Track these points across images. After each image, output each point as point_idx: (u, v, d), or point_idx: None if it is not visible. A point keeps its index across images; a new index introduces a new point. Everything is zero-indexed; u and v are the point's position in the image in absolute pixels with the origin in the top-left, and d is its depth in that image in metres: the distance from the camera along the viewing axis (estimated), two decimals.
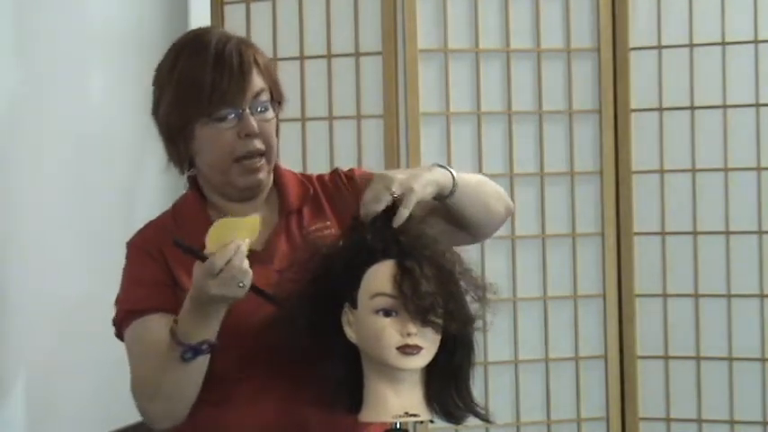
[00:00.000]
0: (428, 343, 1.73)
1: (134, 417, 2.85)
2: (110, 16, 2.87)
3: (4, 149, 2.48)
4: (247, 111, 1.90)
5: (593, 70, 3.27)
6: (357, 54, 3.25)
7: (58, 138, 2.66)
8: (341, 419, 1.84)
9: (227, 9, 3.30)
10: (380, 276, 1.73)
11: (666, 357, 3.28)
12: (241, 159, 1.91)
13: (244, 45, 1.94)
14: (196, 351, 1.78)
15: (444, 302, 1.73)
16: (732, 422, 3.24)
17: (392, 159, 3.20)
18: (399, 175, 1.86)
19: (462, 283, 1.77)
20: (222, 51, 1.90)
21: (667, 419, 3.28)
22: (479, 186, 2.02)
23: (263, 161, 1.94)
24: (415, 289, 1.70)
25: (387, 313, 1.72)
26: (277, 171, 2.02)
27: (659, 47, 3.27)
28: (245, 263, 1.74)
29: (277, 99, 1.97)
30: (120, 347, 2.81)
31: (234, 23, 3.29)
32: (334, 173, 2.06)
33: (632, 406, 3.28)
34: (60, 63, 2.66)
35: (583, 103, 3.28)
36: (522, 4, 3.26)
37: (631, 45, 3.26)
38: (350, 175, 2.05)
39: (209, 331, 1.79)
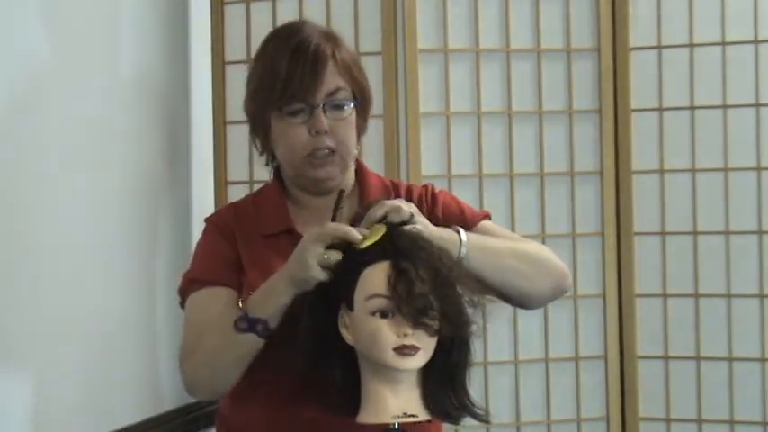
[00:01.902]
0: (425, 343, 1.74)
1: (134, 417, 2.86)
2: (108, 15, 2.87)
3: (13, 152, 2.48)
4: (319, 108, 1.92)
5: (594, 70, 3.27)
6: (357, 54, 3.25)
7: (71, 142, 2.66)
8: (339, 420, 1.84)
9: (227, 9, 3.30)
10: (376, 278, 1.73)
11: (666, 357, 3.28)
12: (310, 155, 1.94)
13: (327, 40, 1.96)
14: (250, 324, 1.81)
15: (439, 305, 1.73)
16: (732, 422, 3.23)
17: (392, 159, 3.20)
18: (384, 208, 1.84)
19: (459, 287, 1.77)
20: (302, 45, 1.92)
21: (667, 419, 3.28)
22: (510, 261, 1.96)
23: (334, 157, 1.95)
24: (410, 290, 1.70)
25: (383, 314, 1.73)
26: (362, 172, 2.06)
27: (659, 47, 3.26)
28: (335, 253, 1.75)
29: (360, 98, 1.98)
30: (120, 348, 2.82)
31: (234, 23, 3.29)
32: (425, 188, 2.07)
33: (632, 406, 3.28)
34: (61, 62, 2.66)
35: (583, 103, 3.28)
36: (522, 4, 3.26)
37: (631, 45, 3.26)
38: (435, 195, 2.05)
39: (270, 311, 1.81)
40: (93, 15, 2.80)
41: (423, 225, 1.83)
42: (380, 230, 1.77)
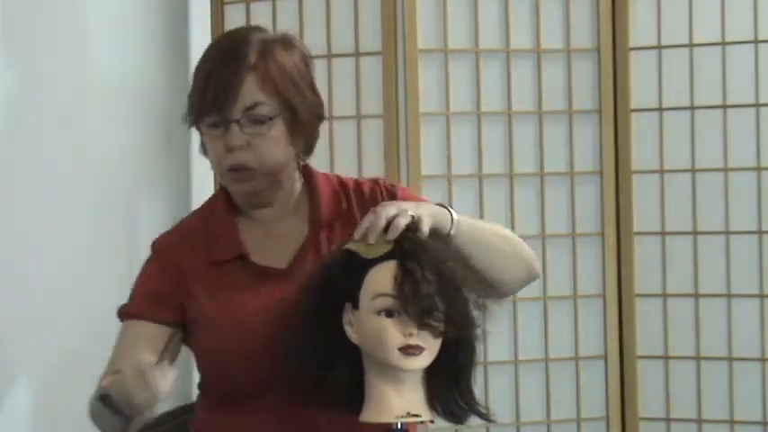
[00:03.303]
0: (430, 344, 1.74)
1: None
2: (109, 16, 2.87)
3: (7, 157, 2.48)
4: (235, 122, 1.82)
5: (593, 70, 3.27)
6: (357, 54, 3.25)
7: (59, 147, 2.66)
8: (341, 419, 1.84)
9: (227, 9, 3.30)
10: (382, 277, 1.73)
11: (666, 357, 3.28)
12: (229, 170, 1.86)
13: (260, 49, 1.85)
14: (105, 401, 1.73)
15: (444, 307, 1.73)
16: (732, 422, 3.23)
17: (392, 159, 3.20)
18: (393, 207, 1.81)
19: (465, 291, 1.77)
20: (226, 54, 1.84)
21: (667, 419, 3.28)
22: (492, 240, 1.97)
23: (253, 174, 1.86)
24: (416, 291, 1.70)
25: (389, 314, 1.73)
26: (310, 178, 1.97)
27: (659, 47, 3.26)
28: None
29: (289, 111, 1.87)
30: None
31: (234, 23, 3.28)
32: (375, 185, 1.99)
33: (632, 406, 3.28)
34: (60, 63, 2.66)
35: (583, 103, 3.28)
36: (522, 4, 3.26)
37: (631, 45, 3.26)
38: (392, 192, 1.98)
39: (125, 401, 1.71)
40: (94, 15, 2.80)
41: (414, 211, 1.81)
42: (386, 246, 1.76)
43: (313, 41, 3.24)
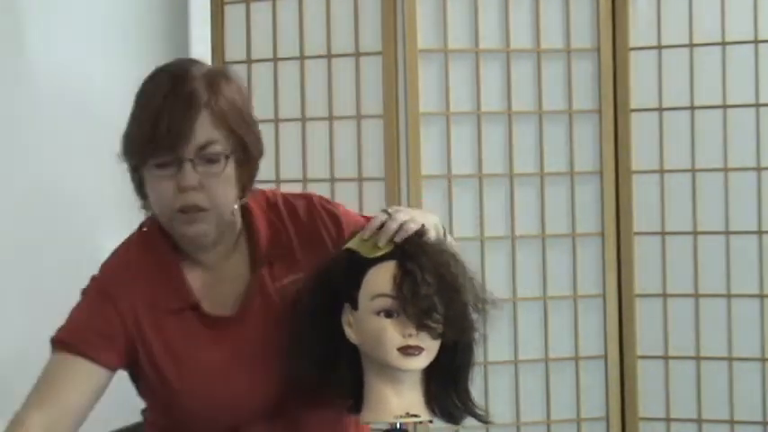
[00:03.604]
0: (428, 345, 1.73)
1: (134, 417, 2.85)
2: (109, 16, 2.87)
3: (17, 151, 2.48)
4: (187, 162, 1.73)
5: (593, 70, 3.27)
6: (357, 54, 3.25)
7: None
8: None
9: (227, 9, 3.30)
10: (382, 278, 1.73)
11: (666, 357, 3.28)
12: (179, 211, 1.77)
13: (208, 85, 1.76)
14: None
15: (443, 309, 1.72)
16: (732, 422, 3.23)
17: (392, 159, 3.20)
18: (404, 214, 1.79)
19: (465, 293, 1.77)
20: (174, 90, 1.74)
21: (667, 419, 3.28)
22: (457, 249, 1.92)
23: (206, 214, 1.78)
24: (415, 291, 1.70)
25: (388, 314, 1.72)
26: (248, 214, 1.88)
27: (659, 47, 3.26)
28: None
29: (241, 149, 1.79)
30: None
31: (234, 23, 3.29)
32: (310, 203, 1.92)
33: (632, 406, 3.28)
34: (60, 62, 2.66)
35: (583, 103, 3.28)
36: (522, 4, 3.26)
37: (631, 45, 3.26)
38: (330, 211, 1.91)
39: None
40: (94, 16, 2.80)
41: (419, 221, 1.80)
42: (387, 246, 1.76)
43: (313, 41, 3.26)
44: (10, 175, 2.54)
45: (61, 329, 1.83)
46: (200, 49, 3.30)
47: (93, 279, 1.88)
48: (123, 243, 1.92)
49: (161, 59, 3.10)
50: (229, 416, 1.85)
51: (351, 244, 1.79)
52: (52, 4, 2.63)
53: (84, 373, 1.79)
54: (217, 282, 1.88)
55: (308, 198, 1.94)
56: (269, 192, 1.94)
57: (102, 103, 2.82)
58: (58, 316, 1.85)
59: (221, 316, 1.85)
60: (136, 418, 2.84)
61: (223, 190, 1.78)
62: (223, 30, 3.29)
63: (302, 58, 3.28)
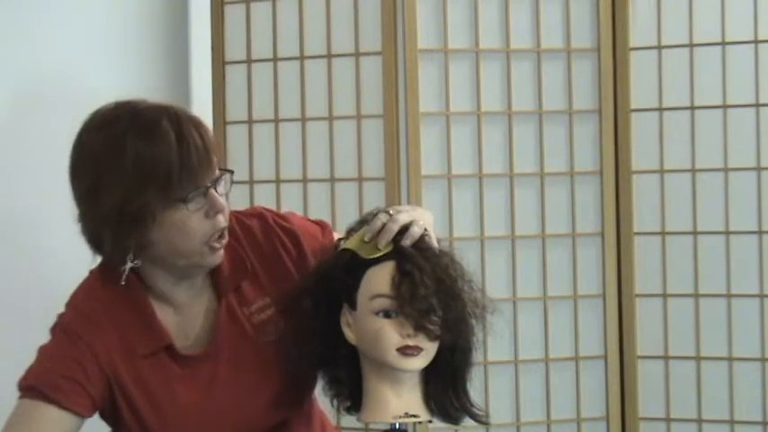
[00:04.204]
0: (427, 345, 1.74)
1: None
2: (109, 16, 2.87)
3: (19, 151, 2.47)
4: (212, 188, 1.77)
5: (593, 70, 3.27)
6: (357, 54, 3.25)
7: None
8: None
9: (227, 9, 3.30)
10: (380, 278, 1.73)
11: (666, 357, 3.28)
12: (210, 240, 1.78)
13: (187, 116, 1.78)
14: None
15: (441, 313, 1.73)
16: (732, 422, 3.23)
17: (392, 159, 3.20)
18: (406, 215, 1.79)
19: (463, 297, 1.77)
20: (180, 128, 1.75)
21: (667, 419, 3.28)
22: None
23: (226, 237, 1.81)
24: (414, 292, 1.70)
25: (386, 315, 1.73)
26: None
27: (659, 47, 3.26)
28: None
29: (226, 169, 1.82)
30: None
31: (234, 23, 3.29)
32: (263, 222, 1.92)
33: (632, 406, 3.28)
34: (60, 62, 2.66)
35: (583, 103, 3.28)
36: (522, 4, 3.26)
37: (631, 45, 3.26)
38: (284, 226, 1.92)
39: None
40: (94, 16, 2.80)
41: (422, 223, 1.80)
42: (386, 247, 1.76)
43: (313, 41, 3.26)
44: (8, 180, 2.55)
45: (29, 373, 1.78)
46: (200, 49, 3.30)
47: (62, 319, 1.83)
48: (85, 283, 1.87)
49: (161, 59, 3.11)
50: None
51: (350, 245, 1.79)
52: (52, 4, 2.63)
53: (55, 421, 1.74)
54: (189, 320, 1.87)
55: (261, 217, 1.93)
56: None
57: (101, 102, 2.81)
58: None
59: (194, 354, 1.84)
60: None
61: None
62: (223, 30, 3.29)
63: (302, 58, 3.28)
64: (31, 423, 1.74)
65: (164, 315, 1.85)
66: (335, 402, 1.86)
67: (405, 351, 1.72)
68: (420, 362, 1.74)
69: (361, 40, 3.23)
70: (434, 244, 1.79)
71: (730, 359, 3.23)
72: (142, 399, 1.82)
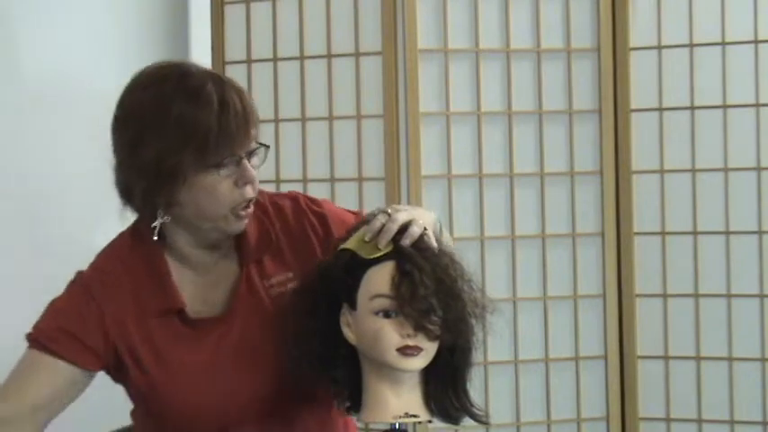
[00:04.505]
0: (427, 345, 1.73)
1: (127, 420, 2.85)
2: (109, 16, 2.87)
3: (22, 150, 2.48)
4: (245, 158, 1.81)
5: (593, 70, 3.27)
6: (357, 54, 3.25)
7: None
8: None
9: (227, 9, 3.30)
10: (380, 278, 1.73)
11: (666, 357, 3.28)
12: (237, 208, 1.83)
13: (231, 85, 1.83)
14: None
15: (441, 313, 1.72)
16: (732, 422, 3.23)
17: (392, 159, 3.20)
18: (405, 214, 1.80)
19: (463, 297, 1.76)
20: (223, 95, 1.79)
21: (667, 419, 3.28)
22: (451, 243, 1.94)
23: (252, 208, 1.86)
24: (413, 292, 1.70)
25: (386, 314, 1.72)
26: None
27: (659, 47, 3.26)
28: None
29: (262, 143, 1.86)
30: None
31: (234, 23, 3.29)
32: (296, 203, 1.96)
33: (632, 406, 3.28)
34: (60, 62, 2.66)
35: (583, 103, 3.28)
36: (522, 4, 3.26)
37: (631, 45, 3.26)
38: (316, 210, 1.95)
39: None
40: (94, 16, 2.80)
41: (421, 222, 1.80)
42: (386, 247, 1.76)
43: (313, 41, 3.26)
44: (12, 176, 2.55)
45: (36, 326, 1.85)
46: (200, 49, 3.30)
47: (80, 275, 1.89)
48: (113, 242, 1.93)
49: (161, 59, 3.11)
50: (216, 417, 1.85)
51: (350, 245, 1.78)
52: (52, 5, 2.63)
53: (52, 371, 1.81)
54: (208, 284, 1.89)
55: (294, 198, 1.97)
56: (259, 194, 1.94)
57: (102, 103, 2.82)
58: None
59: (207, 317, 1.87)
60: (125, 421, 2.85)
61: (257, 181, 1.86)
62: (223, 30, 3.29)
63: (302, 58, 3.28)
64: (31, 372, 1.81)
65: (183, 277, 1.88)
66: (335, 402, 1.86)
67: (404, 351, 1.72)
68: (420, 362, 1.74)
69: (361, 40, 3.23)
70: (434, 243, 1.79)
71: (730, 359, 3.23)
72: (150, 358, 1.85)
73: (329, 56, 3.27)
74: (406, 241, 1.75)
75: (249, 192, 1.83)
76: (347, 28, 3.24)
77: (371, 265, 1.74)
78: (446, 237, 1.91)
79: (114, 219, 1.90)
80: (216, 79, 1.82)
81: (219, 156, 1.78)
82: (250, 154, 1.82)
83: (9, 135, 2.49)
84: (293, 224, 1.94)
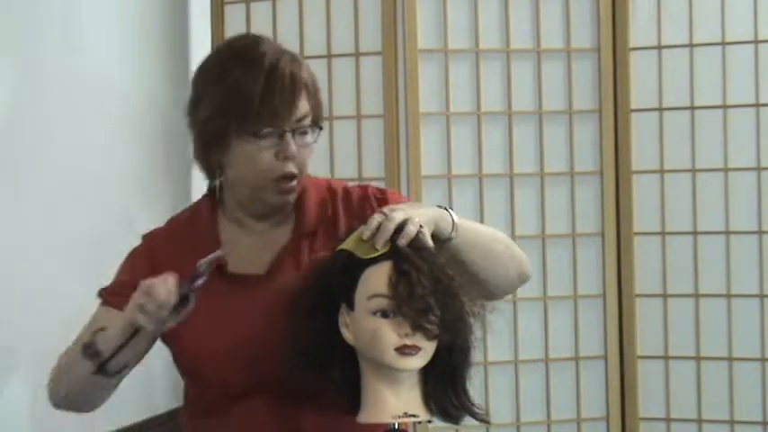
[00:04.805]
0: (426, 344, 1.73)
1: (134, 417, 2.86)
2: (109, 16, 2.87)
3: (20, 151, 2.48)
4: (289, 133, 1.87)
5: (593, 70, 3.27)
6: (357, 54, 3.26)
7: (59, 137, 2.66)
8: (329, 423, 1.84)
9: (228, 9, 3.30)
10: (378, 278, 1.73)
11: (666, 357, 3.28)
12: (276, 180, 1.88)
13: (296, 64, 1.90)
14: (92, 351, 1.81)
15: (440, 312, 1.72)
16: (732, 422, 3.24)
17: (392, 159, 3.20)
18: (401, 213, 1.80)
19: (461, 295, 1.76)
20: (276, 68, 1.87)
21: (667, 419, 3.28)
22: (490, 242, 1.96)
23: (295, 184, 1.90)
24: (411, 292, 1.70)
25: (384, 314, 1.72)
26: (304, 187, 1.97)
27: (659, 47, 3.27)
28: (161, 293, 1.72)
29: (318, 124, 1.93)
30: None
31: (234, 23, 3.29)
32: (365, 192, 2.00)
33: (632, 406, 3.28)
34: (56, 64, 2.66)
35: (583, 103, 3.28)
36: (522, 4, 3.26)
37: (631, 45, 3.26)
38: (383, 199, 1.99)
39: (107, 346, 1.80)
40: (94, 16, 2.80)
41: (417, 221, 1.81)
42: (383, 247, 1.76)
43: (313, 41, 3.26)
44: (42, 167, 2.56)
45: (107, 286, 1.96)
46: (201, 49, 3.30)
47: (146, 234, 2.01)
48: (192, 204, 2.05)
49: (161, 59, 3.12)
50: (245, 374, 1.86)
51: (347, 245, 1.78)
52: (52, 5, 2.63)
53: (114, 320, 1.86)
54: (258, 247, 1.94)
55: (363, 187, 2.03)
56: (334, 180, 2.05)
57: (102, 102, 2.82)
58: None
59: (248, 274, 1.91)
60: (131, 419, 2.86)
61: (308, 159, 1.92)
62: (223, 30, 3.29)
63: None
64: (97, 322, 1.90)
65: (235, 236, 1.94)
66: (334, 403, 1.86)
67: (403, 351, 1.71)
68: (418, 361, 1.73)
69: (361, 40, 3.23)
70: (429, 242, 1.79)
71: (730, 359, 3.23)
72: (193, 312, 1.88)
73: (329, 56, 3.27)
74: (402, 241, 1.75)
75: (290, 167, 1.88)
76: (347, 28, 3.24)
77: (369, 265, 1.74)
78: (465, 226, 1.91)
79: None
80: (280, 53, 1.89)
81: (259, 125, 1.85)
82: (297, 130, 1.87)
83: (8, 134, 2.49)
84: (356, 209, 1.97)
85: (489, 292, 1.96)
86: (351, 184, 2.04)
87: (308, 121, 1.89)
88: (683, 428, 3.28)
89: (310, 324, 1.78)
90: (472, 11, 3.25)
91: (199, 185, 3.26)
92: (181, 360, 1.96)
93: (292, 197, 1.92)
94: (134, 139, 2.98)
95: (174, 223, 2.02)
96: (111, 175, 2.88)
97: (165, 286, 1.73)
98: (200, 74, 1.92)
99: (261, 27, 3.29)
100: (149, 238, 2.00)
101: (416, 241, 1.77)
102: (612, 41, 3.26)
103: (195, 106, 1.91)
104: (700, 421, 3.26)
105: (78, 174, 2.74)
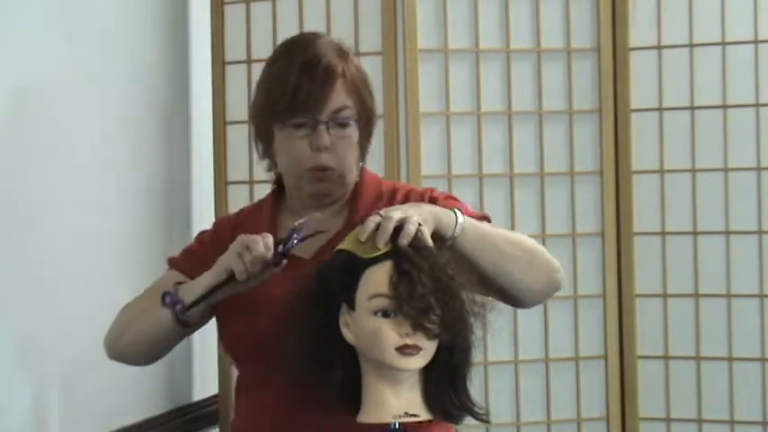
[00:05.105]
0: (426, 344, 1.73)
1: (134, 417, 2.86)
2: (108, 16, 2.87)
3: (20, 157, 2.48)
4: (323, 124, 1.91)
5: (593, 70, 3.27)
6: (357, 54, 3.23)
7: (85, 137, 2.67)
8: (338, 420, 1.84)
9: (228, 9, 3.30)
10: (379, 278, 1.73)
11: (666, 357, 3.28)
12: (310, 170, 1.93)
13: (339, 56, 1.94)
14: (172, 301, 1.89)
15: (440, 311, 1.72)
16: (732, 422, 3.24)
17: (392, 159, 3.20)
18: (399, 212, 1.81)
19: (461, 295, 1.76)
20: (313, 59, 1.92)
21: (667, 419, 3.28)
22: (501, 244, 1.95)
23: (332, 174, 1.94)
24: (411, 292, 1.70)
25: (385, 314, 1.72)
26: (361, 181, 2.02)
27: (659, 47, 3.27)
28: (260, 246, 1.80)
29: (364, 117, 1.97)
30: None
31: (234, 23, 3.29)
32: (424, 191, 2.04)
33: (632, 406, 3.28)
34: (56, 64, 2.66)
35: (583, 103, 3.28)
36: (522, 4, 3.26)
37: (631, 45, 3.26)
38: (435, 197, 2.01)
39: (190, 296, 1.88)
40: (94, 16, 2.80)
41: (415, 219, 1.81)
42: (384, 247, 1.75)
43: None
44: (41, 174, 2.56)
45: (175, 255, 2.09)
46: (201, 49, 3.30)
47: (214, 224, 2.15)
48: (258, 201, 2.13)
49: (161, 59, 3.11)
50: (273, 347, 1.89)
51: (347, 245, 1.79)
52: (52, 5, 2.62)
53: (176, 281, 1.97)
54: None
55: (424, 190, 2.06)
56: (399, 183, 2.13)
57: (102, 102, 2.82)
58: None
59: (297, 255, 1.93)
60: (136, 417, 2.86)
61: (348, 152, 1.96)
62: (223, 30, 3.29)
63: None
64: (165, 282, 2.01)
65: (290, 223, 1.95)
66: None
67: (403, 350, 1.72)
68: (419, 361, 1.74)
69: (361, 40, 3.23)
70: (428, 240, 1.79)
71: (730, 359, 3.23)
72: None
73: None
74: (403, 240, 1.75)
75: (323, 158, 1.93)
76: (347, 28, 3.23)
77: (369, 265, 1.74)
78: (473, 227, 1.90)
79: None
80: (327, 46, 1.95)
81: (288, 115, 1.91)
82: (332, 122, 1.91)
83: (8, 135, 2.49)
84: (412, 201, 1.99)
85: (510, 297, 1.96)
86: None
87: (346, 114, 1.93)
88: (683, 428, 3.28)
89: (311, 324, 1.78)
90: (472, 11, 3.25)
91: (198, 186, 3.27)
92: (225, 330, 2.01)
93: (330, 188, 1.96)
94: (134, 141, 2.98)
95: (242, 212, 2.11)
96: (112, 182, 2.88)
97: (264, 241, 1.81)
98: (266, 65, 2.01)
99: (261, 27, 3.29)
100: (218, 222, 2.13)
101: (416, 240, 1.77)
102: (612, 41, 3.26)
103: (256, 93, 2.00)
104: (700, 421, 3.26)
105: (81, 179, 2.74)
